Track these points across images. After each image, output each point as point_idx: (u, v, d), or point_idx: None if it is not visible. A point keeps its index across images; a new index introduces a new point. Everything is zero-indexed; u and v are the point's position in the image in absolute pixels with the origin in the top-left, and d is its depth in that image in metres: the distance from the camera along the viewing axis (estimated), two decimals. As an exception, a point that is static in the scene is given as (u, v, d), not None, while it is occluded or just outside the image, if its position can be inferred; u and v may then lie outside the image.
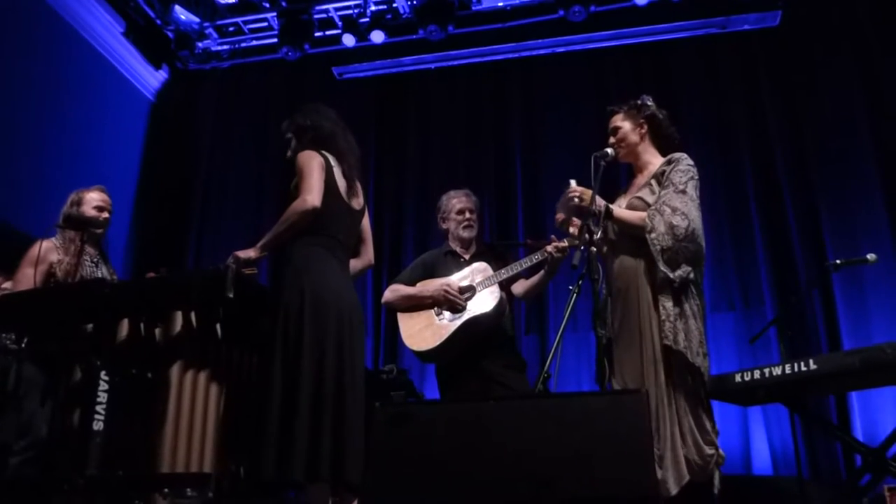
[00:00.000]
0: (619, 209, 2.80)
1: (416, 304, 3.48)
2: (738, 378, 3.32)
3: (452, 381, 3.43)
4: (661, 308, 2.62)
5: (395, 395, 4.11)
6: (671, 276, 2.61)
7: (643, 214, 2.71)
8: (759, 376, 3.26)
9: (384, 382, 4.52)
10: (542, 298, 5.62)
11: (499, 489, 2.15)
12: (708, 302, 2.87)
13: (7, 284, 3.78)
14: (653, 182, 2.82)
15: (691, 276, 2.65)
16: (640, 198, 2.80)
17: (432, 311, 3.43)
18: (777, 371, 3.20)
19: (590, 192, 2.72)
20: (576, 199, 2.74)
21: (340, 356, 2.63)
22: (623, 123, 2.94)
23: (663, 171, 2.80)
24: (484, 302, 3.36)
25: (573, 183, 2.81)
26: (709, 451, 2.52)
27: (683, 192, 2.71)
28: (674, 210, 2.66)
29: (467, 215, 3.64)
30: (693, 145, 4.39)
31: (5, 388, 3.36)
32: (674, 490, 2.46)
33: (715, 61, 6.14)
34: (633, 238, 2.74)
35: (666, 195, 2.72)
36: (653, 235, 2.64)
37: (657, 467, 2.35)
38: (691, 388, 2.59)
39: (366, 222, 3.09)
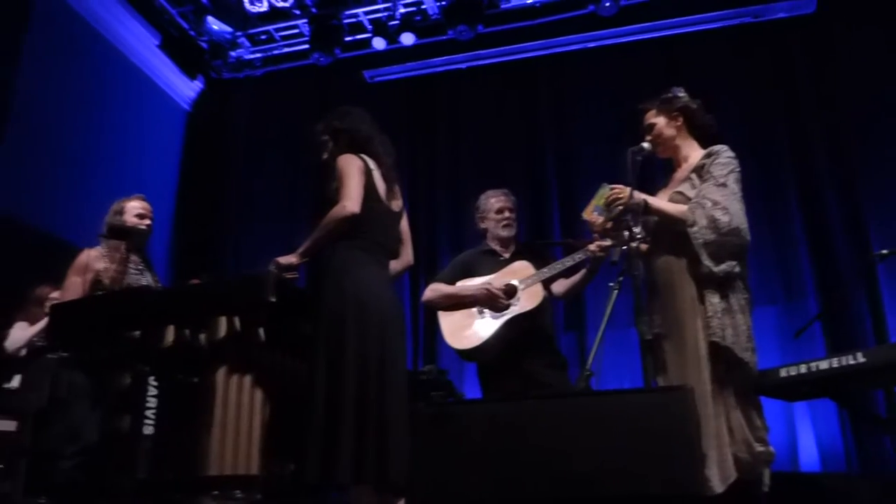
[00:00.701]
0: (658, 201, 2.77)
1: (457, 303, 3.47)
2: (783, 373, 3.24)
3: (494, 380, 3.43)
4: (707, 304, 2.58)
5: (436, 396, 4.12)
6: (715, 270, 2.57)
7: (683, 208, 2.68)
8: (804, 371, 3.18)
9: (424, 383, 4.53)
10: (580, 295, 5.57)
11: (542, 487, 2.15)
12: (748, 295, 2.82)
13: (55, 294, 3.88)
14: (693, 176, 2.77)
15: (736, 269, 2.61)
16: (680, 192, 2.76)
17: (474, 309, 3.42)
18: (824, 365, 3.12)
19: (627, 190, 2.69)
20: (619, 201, 2.71)
21: (383, 358, 2.64)
22: (657, 119, 2.91)
23: (703, 165, 2.75)
24: (526, 301, 3.36)
25: (606, 186, 2.79)
26: (759, 447, 2.49)
27: (724, 185, 2.67)
28: (714, 203, 2.62)
29: (507, 214, 3.63)
30: (729, 138, 4.33)
31: (56, 394, 3.45)
32: (719, 489, 2.41)
33: (750, 51, 6.02)
34: (674, 233, 2.70)
35: (706, 188, 2.68)
36: (694, 229, 2.60)
37: (703, 465, 2.32)
38: (740, 384, 2.55)
39: (404, 223, 3.11)
